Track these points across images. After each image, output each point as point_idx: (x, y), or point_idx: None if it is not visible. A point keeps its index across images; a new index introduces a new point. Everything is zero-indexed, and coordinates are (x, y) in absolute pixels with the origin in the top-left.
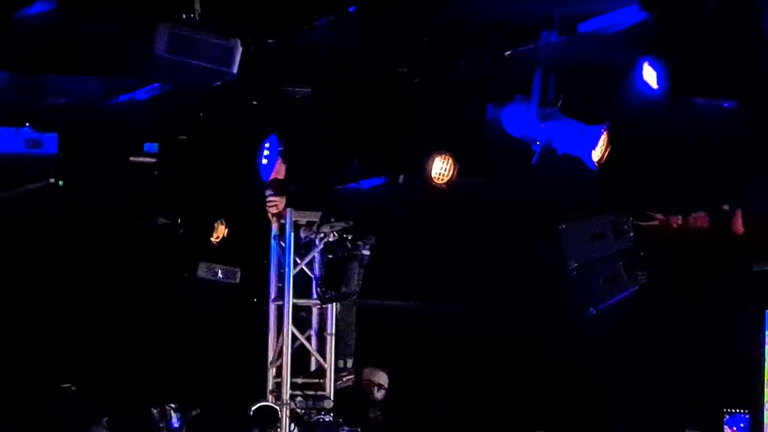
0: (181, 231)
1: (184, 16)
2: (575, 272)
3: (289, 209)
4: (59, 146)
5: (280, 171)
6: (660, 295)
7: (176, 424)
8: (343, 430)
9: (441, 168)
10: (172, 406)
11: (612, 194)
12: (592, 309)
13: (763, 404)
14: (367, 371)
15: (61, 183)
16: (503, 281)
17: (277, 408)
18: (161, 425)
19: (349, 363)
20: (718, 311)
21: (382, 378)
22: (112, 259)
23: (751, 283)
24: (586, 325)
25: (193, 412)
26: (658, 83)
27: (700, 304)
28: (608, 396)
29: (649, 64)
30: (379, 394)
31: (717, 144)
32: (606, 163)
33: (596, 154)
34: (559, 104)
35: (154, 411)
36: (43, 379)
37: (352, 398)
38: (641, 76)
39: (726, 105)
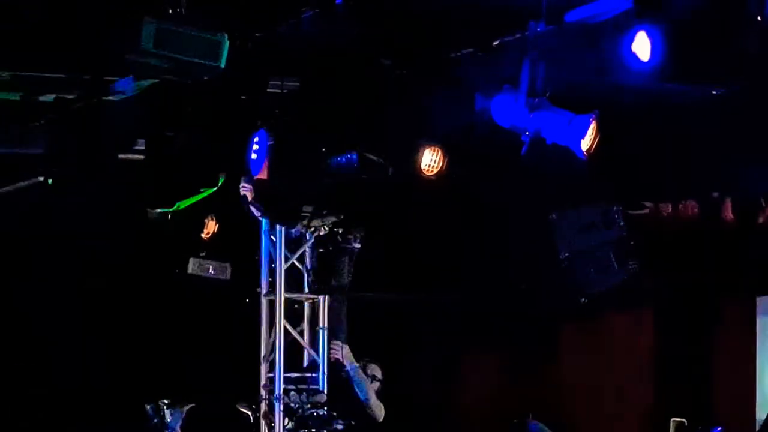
0: (170, 227)
1: (170, 10)
2: (566, 262)
3: None
4: (47, 144)
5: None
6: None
7: (170, 420)
8: (337, 423)
9: (430, 160)
10: (166, 402)
11: (602, 183)
12: (583, 298)
13: (755, 386)
14: (360, 364)
15: (50, 181)
16: (494, 271)
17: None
18: (155, 421)
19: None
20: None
21: (376, 371)
22: (102, 257)
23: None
24: (575, 312)
25: (187, 407)
26: (651, 54)
27: (691, 291)
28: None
29: (646, 33)
30: (374, 386)
31: (706, 131)
32: (595, 152)
33: (585, 144)
34: (547, 94)
35: (148, 407)
36: (33, 379)
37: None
38: (630, 46)
39: (715, 92)
